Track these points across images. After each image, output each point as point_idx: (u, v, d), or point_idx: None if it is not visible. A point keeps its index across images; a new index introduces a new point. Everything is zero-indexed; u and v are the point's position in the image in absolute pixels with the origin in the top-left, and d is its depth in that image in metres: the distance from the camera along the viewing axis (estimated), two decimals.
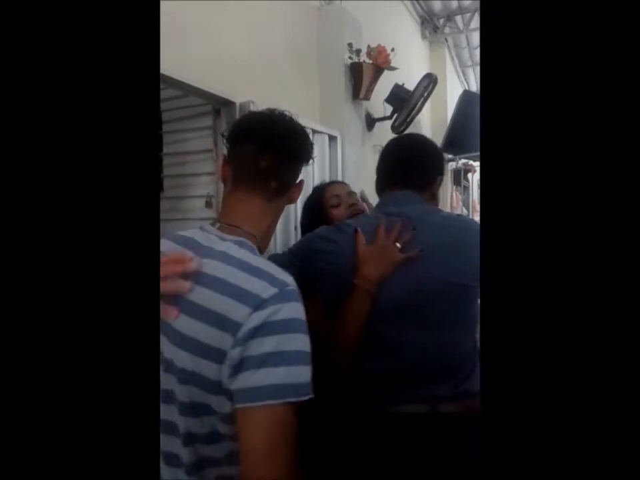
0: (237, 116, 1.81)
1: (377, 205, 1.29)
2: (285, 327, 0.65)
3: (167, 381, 0.71)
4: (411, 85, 2.95)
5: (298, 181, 0.89)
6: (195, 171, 2.09)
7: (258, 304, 0.66)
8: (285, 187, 0.85)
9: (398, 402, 1.08)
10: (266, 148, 0.81)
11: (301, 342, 0.66)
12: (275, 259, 1.23)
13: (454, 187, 4.44)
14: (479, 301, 1.08)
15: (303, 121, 2.18)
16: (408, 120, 2.94)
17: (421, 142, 1.32)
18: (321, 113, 2.40)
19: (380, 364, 1.09)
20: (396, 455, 1.05)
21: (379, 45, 2.43)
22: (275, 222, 0.88)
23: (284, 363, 0.63)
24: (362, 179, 2.57)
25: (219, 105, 1.84)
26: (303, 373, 0.65)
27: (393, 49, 2.50)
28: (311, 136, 2.10)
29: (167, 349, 0.71)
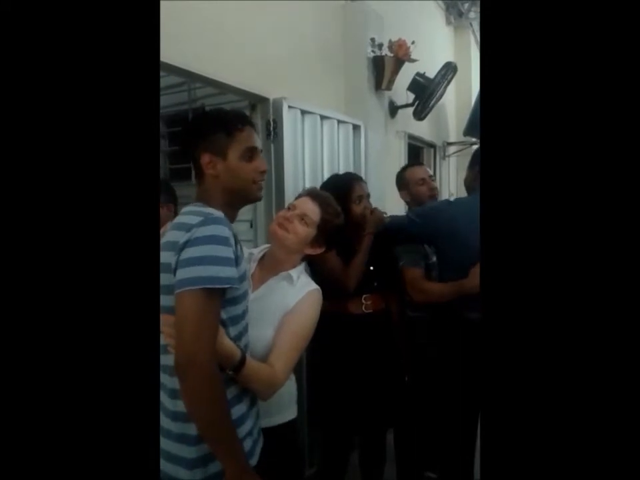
0: (271, 110, 2.03)
1: None
2: (205, 240, 0.89)
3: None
4: (434, 72, 3.11)
5: (203, 160, 1.01)
6: None
7: (189, 228, 0.91)
8: (197, 168, 1.04)
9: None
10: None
11: (219, 250, 0.89)
12: (394, 218, 1.83)
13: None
14: None
15: (328, 112, 2.36)
16: (429, 106, 3.11)
17: None
18: (345, 104, 2.60)
19: None
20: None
21: (399, 39, 2.61)
22: (214, 193, 1.03)
23: (203, 263, 0.87)
24: (385, 165, 2.78)
25: (255, 101, 2.07)
26: (220, 270, 0.87)
27: (413, 42, 2.66)
28: (335, 126, 2.32)
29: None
